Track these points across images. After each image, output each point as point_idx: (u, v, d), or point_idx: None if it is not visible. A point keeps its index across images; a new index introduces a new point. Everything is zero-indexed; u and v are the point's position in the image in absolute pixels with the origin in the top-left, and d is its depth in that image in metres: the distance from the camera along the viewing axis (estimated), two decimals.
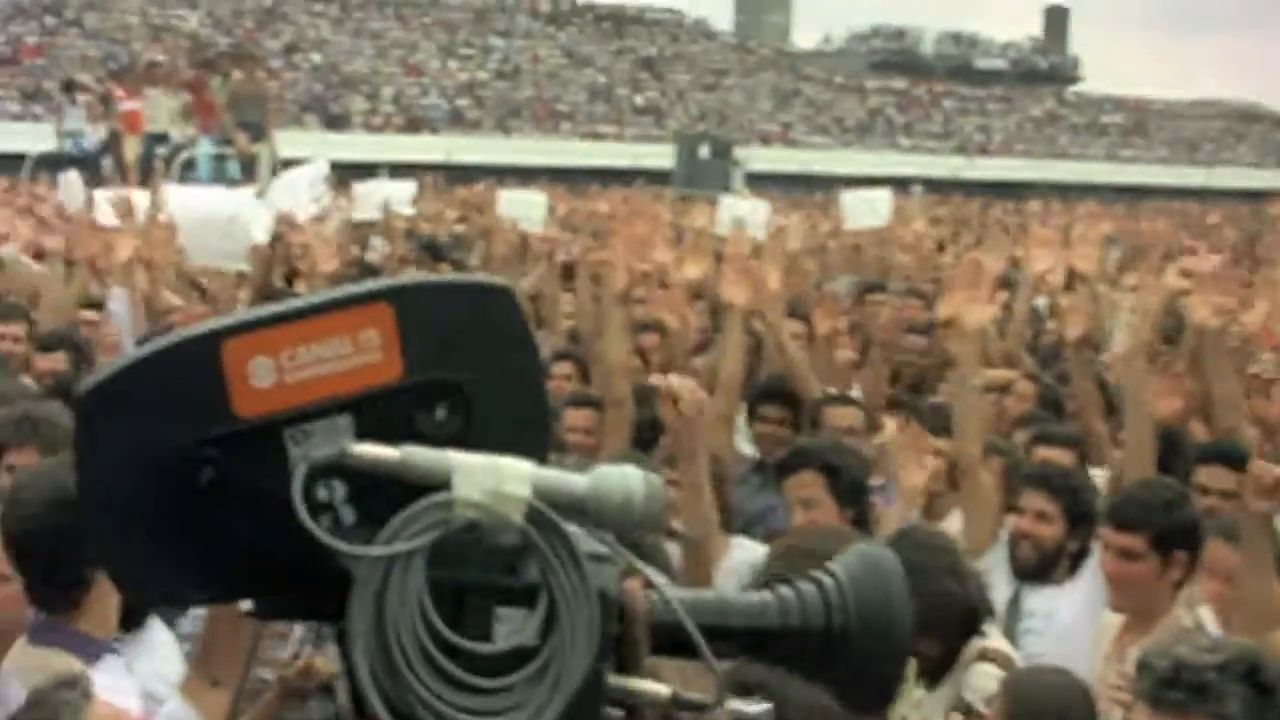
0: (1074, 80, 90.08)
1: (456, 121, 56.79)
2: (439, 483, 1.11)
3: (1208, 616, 4.08)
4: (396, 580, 1.09)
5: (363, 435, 1.15)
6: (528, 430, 1.20)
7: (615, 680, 1.15)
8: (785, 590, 1.21)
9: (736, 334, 6.27)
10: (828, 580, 1.21)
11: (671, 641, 1.18)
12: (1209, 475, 5.01)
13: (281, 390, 1.15)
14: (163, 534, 1.15)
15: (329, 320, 1.16)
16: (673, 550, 4.33)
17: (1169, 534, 4.07)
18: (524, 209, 11.14)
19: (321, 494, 1.14)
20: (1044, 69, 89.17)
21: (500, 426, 1.18)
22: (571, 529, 1.12)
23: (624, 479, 1.13)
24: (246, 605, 1.21)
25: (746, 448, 6.37)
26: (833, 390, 6.61)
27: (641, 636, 1.16)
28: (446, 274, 1.46)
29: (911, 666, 3.87)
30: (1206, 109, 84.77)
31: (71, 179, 12.92)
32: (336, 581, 1.10)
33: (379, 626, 1.09)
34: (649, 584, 1.16)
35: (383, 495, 1.12)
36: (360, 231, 11.74)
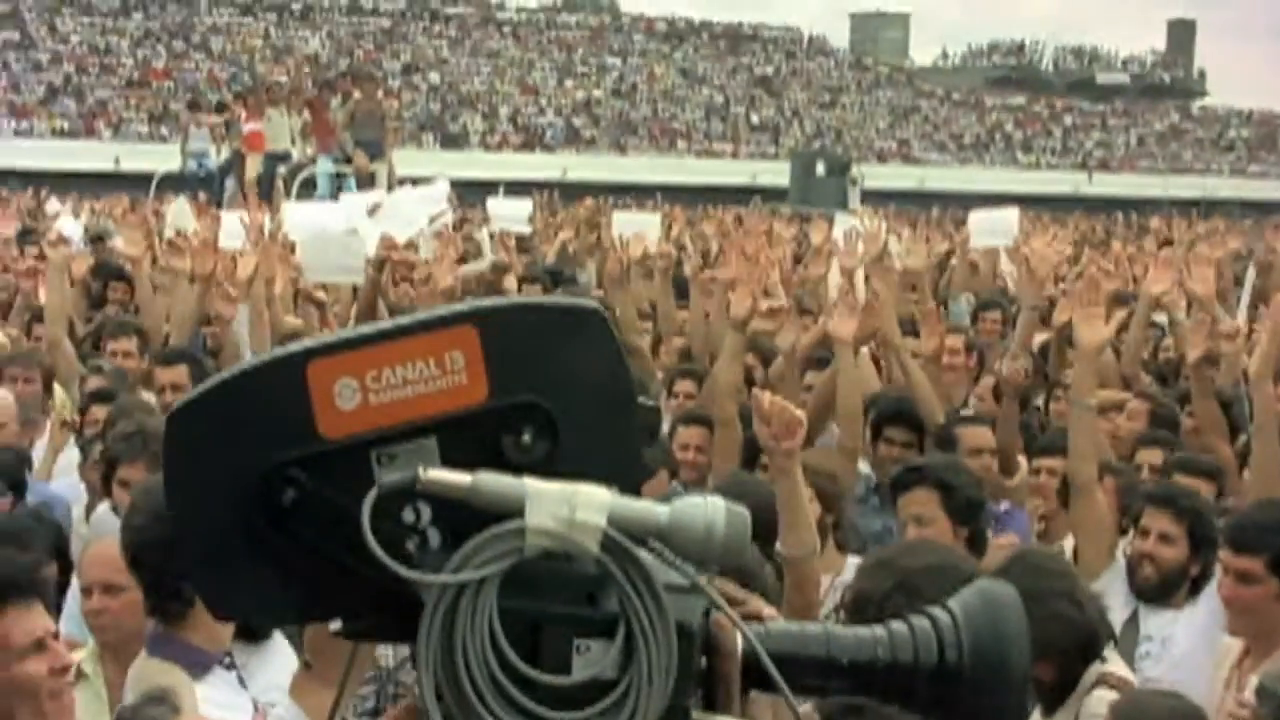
0: (1199, 94, 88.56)
1: (573, 140, 57.17)
2: (512, 510, 1.09)
3: None
4: (466, 608, 1.08)
5: (447, 458, 1.14)
6: (618, 455, 1.17)
7: (700, 717, 1.12)
8: (898, 625, 1.18)
9: (849, 366, 6.18)
10: (943, 616, 1.17)
11: (769, 677, 1.14)
12: None
13: (366, 412, 1.14)
14: (247, 553, 1.15)
15: (414, 342, 1.15)
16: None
17: None
18: (637, 230, 11.16)
19: (408, 516, 1.13)
20: (1167, 83, 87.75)
21: (590, 451, 1.16)
22: (650, 559, 1.09)
23: (706, 510, 1.10)
24: (335, 625, 1.20)
25: (864, 467, 6.30)
26: (967, 410, 6.54)
27: (731, 672, 1.13)
28: (534, 295, 1.43)
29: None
30: None
31: (180, 206, 13.16)
32: (417, 604, 1.09)
33: (448, 654, 1.08)
34: (731, 617, 1.13)
35: (468, 519, 1.10)
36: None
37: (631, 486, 1.14)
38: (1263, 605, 4.00)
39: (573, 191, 32.68)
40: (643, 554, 1.09)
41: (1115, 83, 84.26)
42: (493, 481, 1.10)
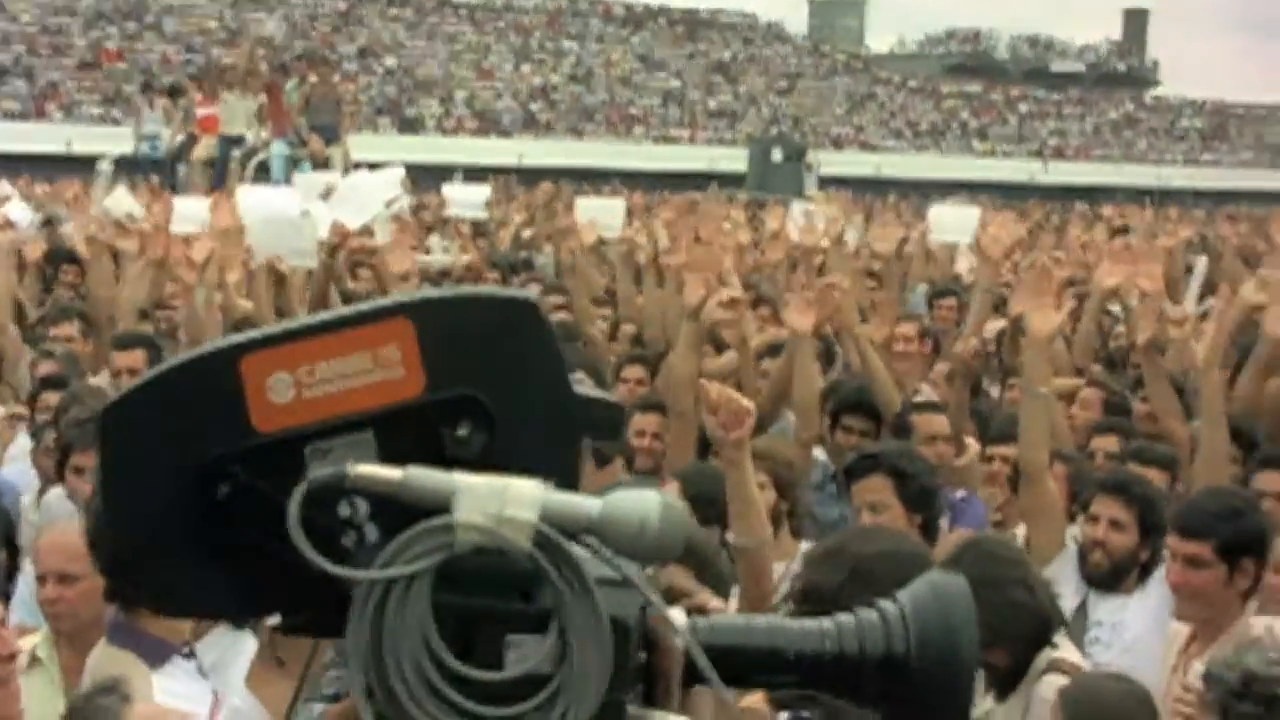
0: (1153, 83, 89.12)
1: (529, 125, 57.05)
2: (442, 505, 1.08)
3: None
4: (395, 604, 1.07)
5: (385, 452, 1.13)
6: (555, 448, 1.17)
7: (635, 712, 1.12)
8: (845, 618, 1.18)
9: (807, 358, 6.18)
10: (891, 608, 1.17)
11: (720, 670, 1.14)
12: (1267, 480, 5.02)
13: (300, 406, 1.13)
14: (183, 548, 1.15)
15: (349, 336, 1.14)
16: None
17: (1235, 542, 4.02)
18: (602, 215, 11.18)
19: (344, 511, 1.13)
20: (1122, 72, 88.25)
21: (527, 445, 1.15)
22: (583, 554, 1.09)
23: (639, 504, 1.09)
24: (273, 620, 1.20)
25: (821, 455, 6.32)
26: (923, 398, 6.58)
27: (670, 667, 1.13)
28: (470, 287, 1.43)
29: (979, 677, 3.85)
30: None
31: (119, 193, 13.09)
32: (349, 599, 1.09)
33: (376, 650, 1.07)
34: (661, 611, 1.12)
35: (403, 514, 1.09)
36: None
37: (568, 480, 1.13)
38: (1210, 590, 4.04)
39: (530, 177, 32.61)
40: (575, 549, 1.08)
41: (1070, 71, 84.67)
42: (423, 476, 1.09)
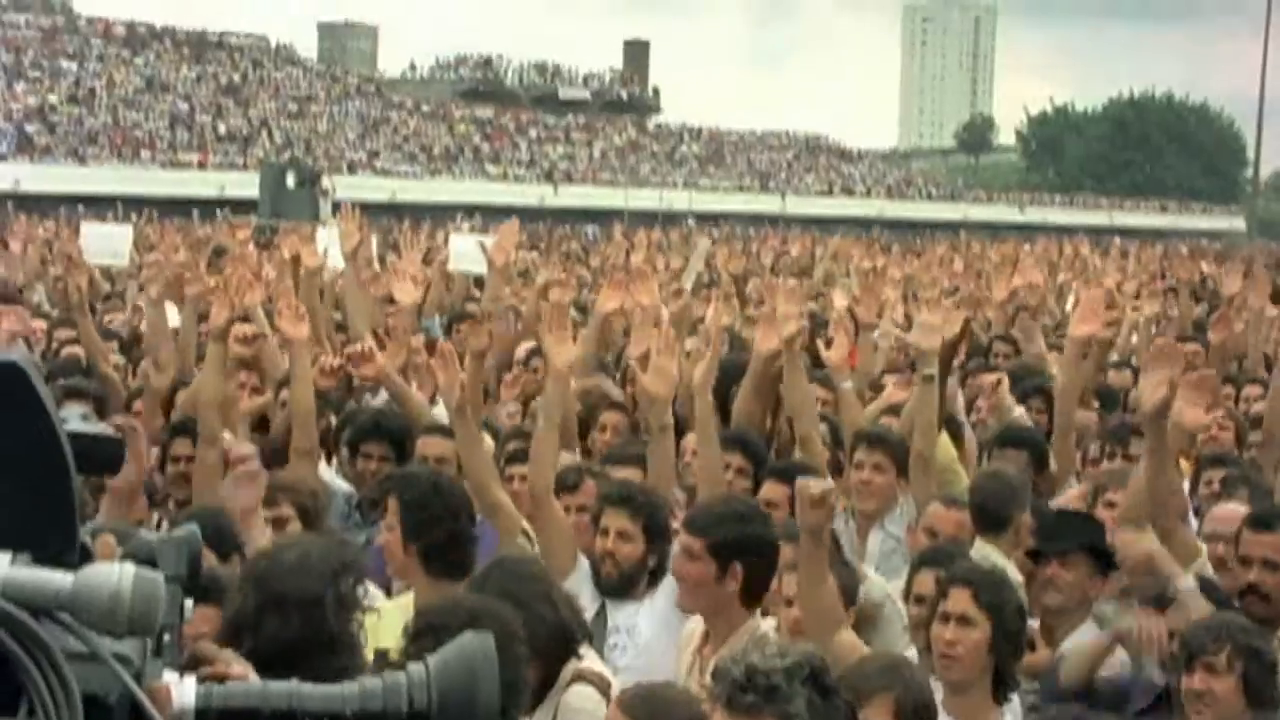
0: (654, 110, 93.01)
1: (25, 148, 54.12)
2: None
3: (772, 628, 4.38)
4: None
5: None
6: (38, 519, 1.13)
7: None
8: (371, 680, 1.21)
9: (302, 370, 6.24)
10: (416, 668, 1.20)
11: None
12: (770, 490, 5.44)
13: None
14: None
15: None
16: None
17: (725, 543, 4.34)
18: (106, 243, 10.82)
19: None
20: (625, 99, 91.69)
21: (6, 517, 1.12)
22: (52, 631, 1.07)
23: (113, 577, 1.08)
24: None
25: (343, 484, 6.37)
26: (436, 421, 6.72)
27: None
28: None
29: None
30: (776, 140, 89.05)
31: None
32: None
33: None
34: (130, 685, 1.10)
35: None
36: None
37: (54, 552, 1.11)
38: (700, 582, 4.35)
39: (29, 204, 31.01)
40: (42, 626, 1.06)
41: (577, 98, 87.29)
42: None
